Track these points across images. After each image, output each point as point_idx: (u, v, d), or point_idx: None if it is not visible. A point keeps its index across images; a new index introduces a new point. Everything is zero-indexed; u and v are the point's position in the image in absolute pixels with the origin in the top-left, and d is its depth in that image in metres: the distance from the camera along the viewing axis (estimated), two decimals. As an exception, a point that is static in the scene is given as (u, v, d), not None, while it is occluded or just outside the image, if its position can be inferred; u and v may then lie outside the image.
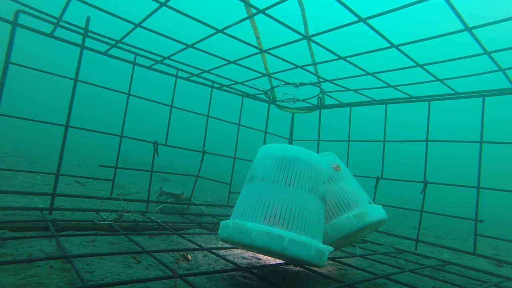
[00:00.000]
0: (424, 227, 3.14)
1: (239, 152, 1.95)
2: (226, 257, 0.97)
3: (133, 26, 1.28)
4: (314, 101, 2.03)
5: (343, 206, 1.02)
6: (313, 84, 1.76)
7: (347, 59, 1.38)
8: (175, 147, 1.74)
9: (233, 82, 1.83)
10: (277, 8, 1.08)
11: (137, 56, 1.56)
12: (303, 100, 2.01)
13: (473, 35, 1.05)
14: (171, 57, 1.55)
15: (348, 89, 1.71)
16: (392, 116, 1.75)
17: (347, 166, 1.42)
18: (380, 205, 1.09)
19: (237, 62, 1.57)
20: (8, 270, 0.70)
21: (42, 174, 2.55)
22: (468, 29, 1.02)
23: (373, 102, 1.80)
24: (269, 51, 1.43)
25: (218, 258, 0.99)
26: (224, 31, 1.25)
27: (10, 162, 3.31)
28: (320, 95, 1.96)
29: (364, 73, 1.50)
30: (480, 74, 1.32)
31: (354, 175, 1.17)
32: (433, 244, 1.57)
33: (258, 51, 1.47)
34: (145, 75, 2.23)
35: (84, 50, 1.39)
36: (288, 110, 2.16)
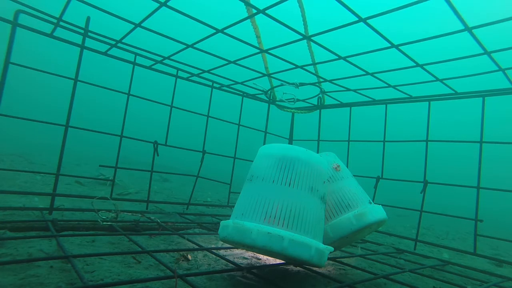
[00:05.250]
0: (424, 227, 3.14)
1: (239, 152, 1.95)
2: (226, 257, 0.97)
3: (133, 26, 1.28)
4: (314, 101, 2.03)
5: (343, 206, 1.02)
6: (313, 84, 1.76)
7: (347, 59, 1.38)
8: (175, 147, 1.74)
9: (233, 82, 1.83)
10: (277, 8, 1.08)
11: (137, 56, 1.56)
12: (303, 100, 2.01)
13: (473, 35, 1.05)
14: (171, 57, 1.55)
15: (348, 89, 1.71)
16: (392, 116, 1.75)
17: (347, 166, 1.42)
18: (380, 205, 1.08)
19: (237, 62, 1.57)
20: (8, 270, 0.70)
21: (42, 174, 2.55)
22: (468, 29, 1.02)
23: (373, 102, 1.80)
24: (269, 51, 1.43)
25: (218, 258, 0.99)
26: (224, 31, 1.25)
27: (10, 162, 3.31)
28: (320, 95, 1.96)
29: (364, 73, 1.50)
30: (480, 74, 1.31)
31: (354, 175, 1.17)
32: (433, 244, 1.57)
33: (258, 51, 1.47)
34: (145, 75, 2.23)
35: (84, 50, 1.39)
36: (288, 110, 2.16)
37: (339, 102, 1.95)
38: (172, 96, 1.71)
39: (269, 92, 1.95)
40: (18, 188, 1.91)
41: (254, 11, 1.15)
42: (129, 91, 1.54)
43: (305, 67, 1.55)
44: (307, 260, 0.76)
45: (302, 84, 1.72)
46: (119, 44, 1.45)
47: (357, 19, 1.07)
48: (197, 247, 1.05)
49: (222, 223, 0.84)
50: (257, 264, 1.00)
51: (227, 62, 1.58)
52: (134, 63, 1.56)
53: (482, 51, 1.14)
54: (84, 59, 1.38)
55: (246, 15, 1.24)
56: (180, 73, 1.73)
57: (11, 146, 5.55)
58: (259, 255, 1.09)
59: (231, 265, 0.91)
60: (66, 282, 0.68)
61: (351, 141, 1.87)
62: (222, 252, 1.06)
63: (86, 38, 1.39)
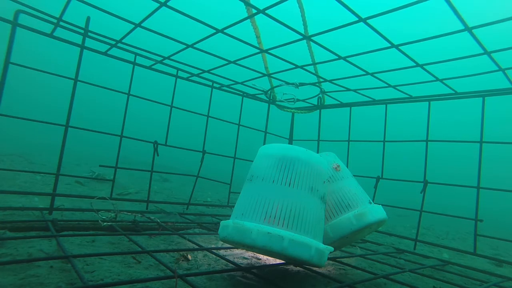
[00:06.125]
0: (424, 227, 3.14)
1: (239, 152, 1.95)
2: (226, 257, 0.97)
3: (133, 26, 1.28)
4: (314, 101, 2.03)
5: (343, 206, 1.02)
6: (313, 84, 1.76)
7: (347, 59, 1.38)
8: (175, 147, 1.74)
9: (233, 82, 1.83)
10: (277, 8, 1.08)
11: (137, 56, 1.56)
12: (303, 100, 2.01)
13: (473, 35, 1.05)
14: (171, 57, 1.55)
15: (348, 89, 1.71)
16: (392, 116, 1.75)
17: (347, 166, 1.42)
18: (380, 205, 1.08)
19: (237, 62, 1.57)
20: (8, 270, 0.70)
21: (42, 174, 2.55)
22: (468, 29, 1.02)
23: (373, 102, 1.80)
24: (269, 51, 1.43)
25: (218, 258, 0.99)
26: (224, 31, 1.25)
27: (10, 162, 3.31)
28: (320, 95, 1.96)
29: (364, 73, 1.50)
30: (480, 74, 1.32)
31: (354, 175, 1.17)
32: (433, 244, 1.57)
33: (258, 51, 1.47)
34: (145, 75, 2.23)
35: (84, 50, 1.39)
36: (288, 110, 2.16)
37: (339, 102, 1.95)
38: (172, 96, 1.71)
39: (269, 92, 1.95)
40: (18, 188, 1.91)
41: (254, 11, 1.15)
42: (129, 91, 1.54)
43: (305, 67, 1.55)
44: (307, 260, 0.76)
45: (302, 84, 1.72)
46: (119, 44, 1.45)
47: (357, 19, 1.07)
48: (197, 247, 1.05)
49: (222, 223, 0.84)
50: (257, 264, 1.00)
51: (227, 62, 1.58)
52: (134, 63, 1.56)
53: (482, 51, 1.14)
54: (84, 59, 1.38)
55: (246, 15, 1.24)
56: (180, 73, 1.73)
57: (11, 146, 5.55)
58: (259, 255, 1.09)
59: (231, 265, 0.91)
60: (66, 282, 0.68)
61: (351, 141, 1.87)
62: (222, 252, 1.06)
63: (86, 38, 1.39)
